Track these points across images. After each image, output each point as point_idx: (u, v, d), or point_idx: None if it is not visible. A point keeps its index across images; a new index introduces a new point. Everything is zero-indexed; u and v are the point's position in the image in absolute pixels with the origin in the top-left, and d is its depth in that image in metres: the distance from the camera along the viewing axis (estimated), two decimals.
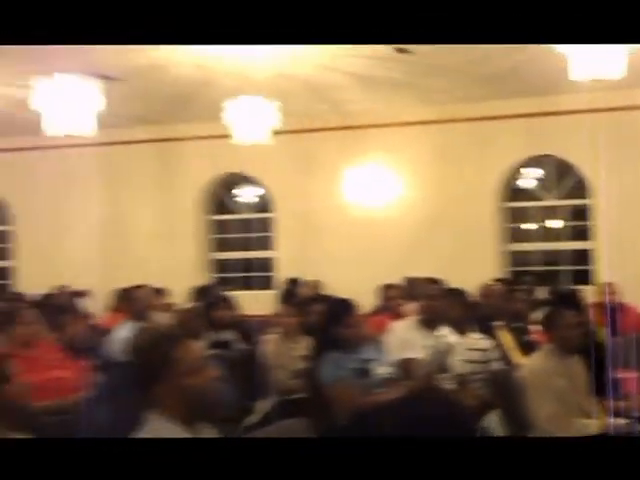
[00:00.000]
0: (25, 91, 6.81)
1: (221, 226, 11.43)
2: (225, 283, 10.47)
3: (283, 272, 10.55)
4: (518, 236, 10.24)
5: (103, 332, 7.00)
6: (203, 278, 10.72)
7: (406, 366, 5.60)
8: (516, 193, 10.17)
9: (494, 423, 5.22)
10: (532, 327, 6.47)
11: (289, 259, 10.64)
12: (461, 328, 6.01)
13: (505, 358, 6.07)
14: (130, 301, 7.48)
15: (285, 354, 6.35)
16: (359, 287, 8.00)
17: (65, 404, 4.96)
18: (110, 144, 10.50)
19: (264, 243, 11.16)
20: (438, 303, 6.08)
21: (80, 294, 9.58)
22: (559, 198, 10.05)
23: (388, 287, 8.37)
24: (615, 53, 5.68)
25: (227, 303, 7.16)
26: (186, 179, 11.03)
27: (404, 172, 10.10)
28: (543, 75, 8.07)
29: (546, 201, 10.12)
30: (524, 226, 10.33)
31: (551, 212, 10.17)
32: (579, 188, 9.78)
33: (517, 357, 6.11)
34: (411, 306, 6.65)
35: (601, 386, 4.71)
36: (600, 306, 7.00)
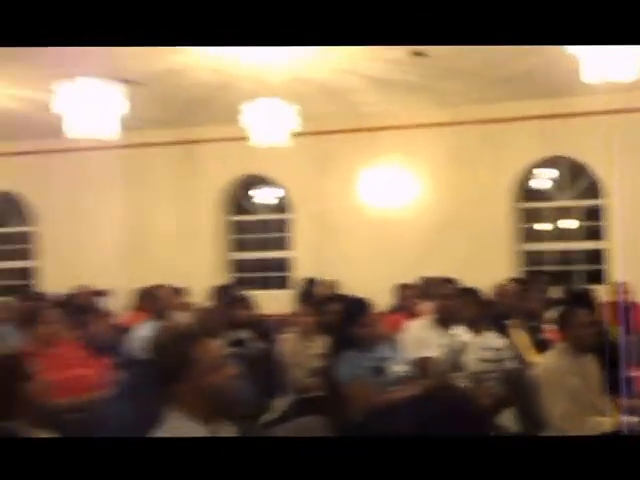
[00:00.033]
0: (47, 94, 6.86)
1: (239, 227, 11.46)
2: (243, 283, 10.47)
3: (300, 272, 10.57)
4: (532, 236, 10.22)
5: (124, 331, 7.02)
6: (222, 278, 10.76)
7: (422, 365, 5.64)
8: (530, 194, 10.15)
9: (508, 421, 5.28)
10: (546, 326, 6.47)
11: (306, 259, 10.66)
12: (476, 327, 6.03)
13: (519, 357, 6.09)
14: (151, 300, 7.53)
15: (302, 353, 6.38)
16: (375, 287, 8.01)
17: (87, 401, 4.98)
18: (131, 146, 10.51)
19: (282, 243, 11.18)
20: (453, 302, 6.11)
21: (101, 293, 9.60)
22: (573, 198, 10.05)
23: (404, 287, 8.41)
24: (628, 55, 5.66)
25: (245, 302, 7.18)
26: (205, 181, 11.06)
27: (420, 173, 10.11)
28: (557, 77, 8.06)
29: (560, 201, 10.11)
30: (538, 226, 10.31)
31: (565, 212, 10.15)
32: (592, 189, 9.76)
33: (531, 356, 6.11)
34: (426, 305, 6.65)
35: (614, 384, 4.71)
36: (613, 305, 7.00)
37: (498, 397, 5.45)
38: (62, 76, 6.68)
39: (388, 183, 9.96)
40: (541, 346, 6.05)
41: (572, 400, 4.54)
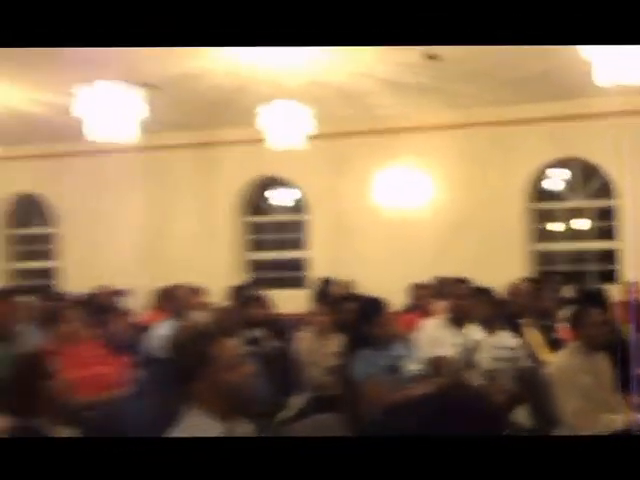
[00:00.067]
0: (68, 98, 6.93)
1: (256, 227, 11.50)
2: (260, 282, 10.49)
3: (316, 272, 10.60)
4: (545, 236, 10.22)
5: (143, 330, 7.10)
6: (239, 277, 10.83)
7: (436, 363, 5.67)
8: (543, 194, 10.14)
9: (522, 418, 5.32)
10: (559, 325, 6.48)
11: (322, 259, 10.70)
12: (490, 326, 6.06)
13: (532, 355, 6.11)
14: (169, 300, 7.63)
15: (318, 351, 6.43)
16: (390, 286, 8.03)
17: (106, 399, 5.02)
18: (149, 149, 10.56)
19: (298, 244, 11.22)
20: (467, 302, 6.14)
21: (120, 293, 9.66)
22: (585, 199, 10.04)
23: (418, 286, 8.43)
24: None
25: (261, 302, 7.26)
26: (223, 182, 11.11)
27: (434, 175, 10.12)
28: (569, 79, 8.06)
29: (572, 202, 10.11)
30: (551, 226, 10.31)
31: (577, 213, 10.14)
32: (605, 189, 9.75)
33: (544, 354, 6.13)
34: (440, 305, 6.65)
35: (626, 382, 4.73)
36: (625, 304, 6.99)
37: (511, 395, 5.46)
38: (82, 80, 6.74)
39: (402, 184, 9.95)
40: (554, 345, 6.08)
41: (584, 398, 4.56)
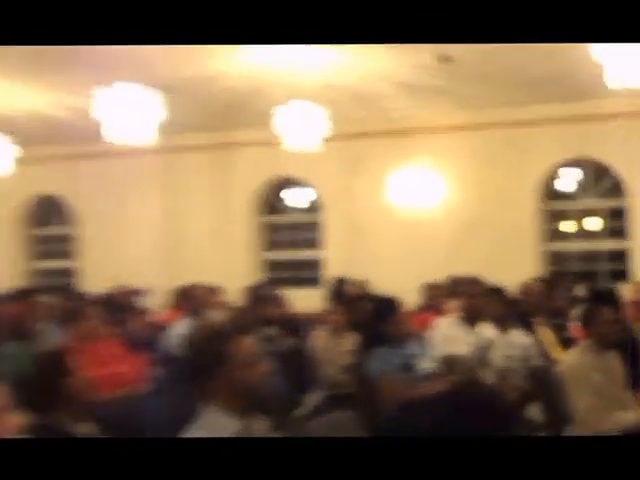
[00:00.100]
0: (87, 100, 7.01)
1: (272, 227, 11.56)
2: (276, 282, 10.55)
3: (331, 271, 10.64)
4: (557, 236, 10.24)
5: (161, 328, 7.15)
6: (255, 277, 10.90)
7: (449, 361, 5.67)
8: (555, 194, 10.16)
9: (535, 416, 5.37)
10: (571, 324, 6.49)
11: (337, 259, 10.74)
12: (502, 325, 6.07)
13: (545, 353, 6.12)
14: (187, 299, 7.68)
15: (333, 350, 6.46)
16: (404, 286, 8.06)
17: (125, 397, 5.04)
18: (167, 150, 10.67)
19: (313, 243, 11.27)
20: (480, 301, 6.14)
21: (139, 292, 9.71)
22: (596, 199, 10.05)
23: (432, 286, 8.44)
24: None
25: (277, 301, 7.32)
26: (239, 183, 11.17)
27: (447, 175, 10.15)
28: (580, 80, 8.07)
29: (584, 202, 10.13)
30: (563, 226, 10.33)
31: (589, 212, 10.16)
32: (616, 189, 9.76)
33: (556, 352, 6.14)
34: (454, 304, 6.66)
35: (637, 380, 4.79)
36: (636, 303, 7.04)
37: (524, 393, 5.49)
38: (100, 82, 6.83)
39: (416, 185, 9.97)
40: (566, 343, 6.07)
41: (596, 395, 4.57)
